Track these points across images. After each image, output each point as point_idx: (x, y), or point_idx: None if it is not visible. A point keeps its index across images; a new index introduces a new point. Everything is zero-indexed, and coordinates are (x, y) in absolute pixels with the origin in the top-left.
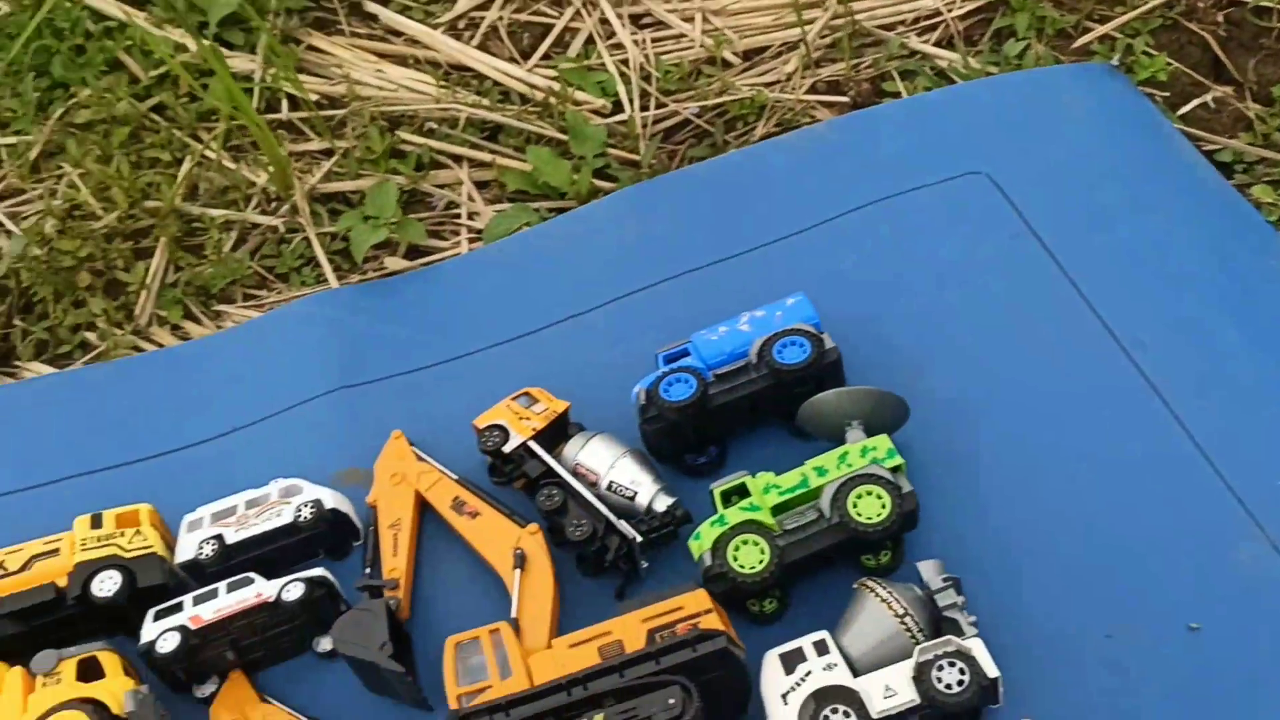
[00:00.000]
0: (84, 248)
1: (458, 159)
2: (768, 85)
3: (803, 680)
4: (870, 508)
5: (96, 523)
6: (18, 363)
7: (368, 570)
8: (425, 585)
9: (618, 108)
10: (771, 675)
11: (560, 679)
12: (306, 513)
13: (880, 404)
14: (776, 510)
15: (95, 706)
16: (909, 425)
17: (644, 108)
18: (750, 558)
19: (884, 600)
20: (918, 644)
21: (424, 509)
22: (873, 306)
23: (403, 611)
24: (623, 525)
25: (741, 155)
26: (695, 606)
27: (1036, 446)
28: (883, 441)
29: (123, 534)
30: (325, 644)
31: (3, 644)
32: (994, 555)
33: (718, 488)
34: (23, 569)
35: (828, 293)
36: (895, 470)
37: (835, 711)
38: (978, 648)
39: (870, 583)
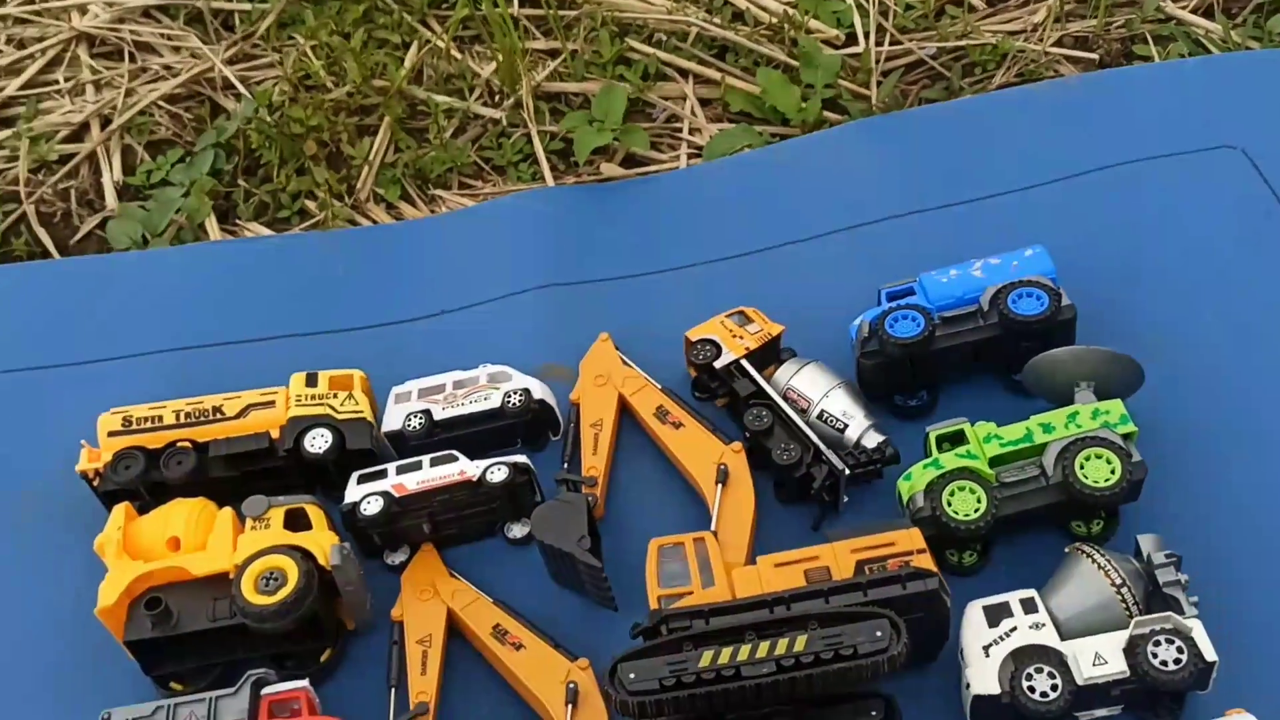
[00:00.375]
0: (313, 117)
1: (684, 73)
2: (1012, 34)
3: (1007, 635)
4: (1098, 471)
5: (312, 381)
6: (239, 221)
7: (566, 465)
8: (620, 488)
9: (850, 40)
10: (975, 625)
11: (764, 595)
12: (515, 400)
13: (1115, 367)
14: (994, 462)
15: (303, 554)
16: (1139, 395)
17: (878, 43)
18: (965, 505)
19: (1101, 567)
20: (1133, 616)
21: (624, 414)
22: (1110, 271)
23: (598, 510)
24: (831, 456)
25: (983, 101)
26: (908, 544)
27: (1275, 434)
28: (1116, 406)
29: (335, 396)
30: (516, 531)
31: (212, 485)
32: (1217, 539)
33: (934, 431)
34: (239, 416)
35: (1062, 251)
36: (1126, 438)
37: (1040, 671)
38: (1198, 629)
39: (1086, 548)
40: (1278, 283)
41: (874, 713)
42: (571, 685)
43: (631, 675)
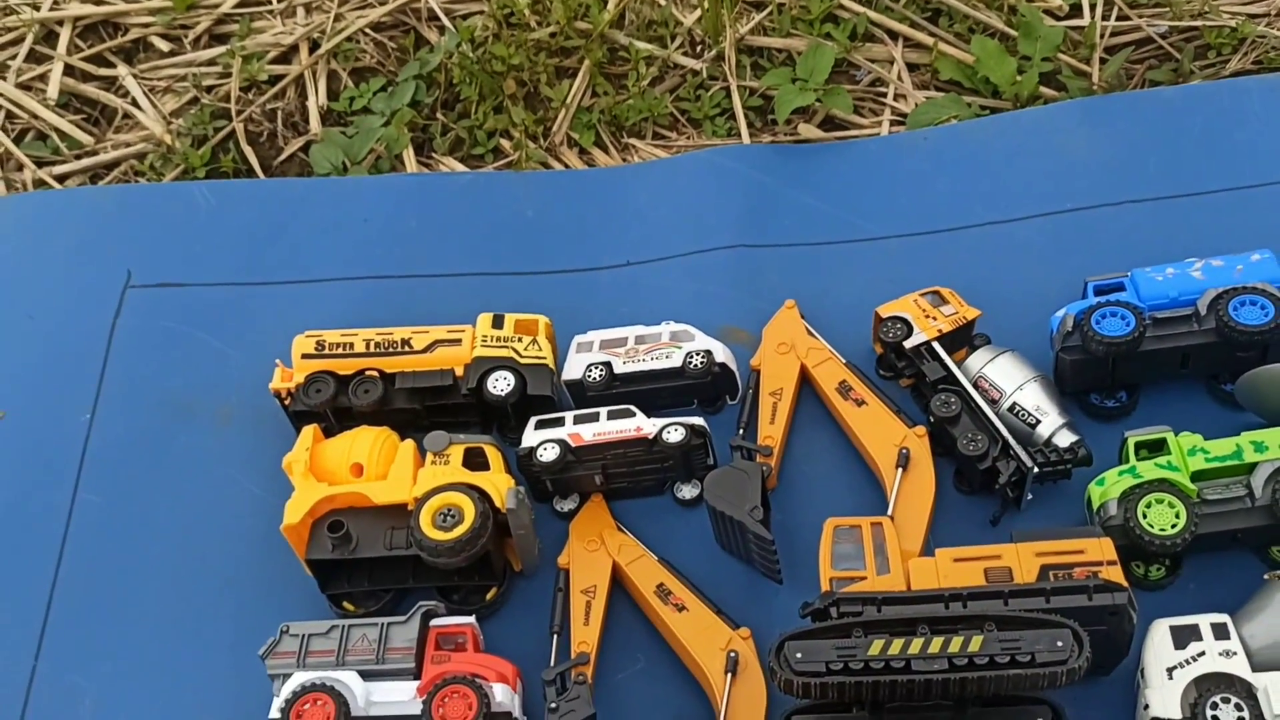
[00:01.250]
0: (514, 55)
1: (894, 35)
2: (1253, 16)
3: (1194, 659)
4: None
5: (498, 323)
6: (434, 155)
7: (742, 431)
8: (794, 461)
9: (1075, 11)
10: (1159, 645)
11: (940, 589)
12: (698, 360)
13: None
14: (1196, 477)
15: (480, 494)
16: None
17: (1105, 16)
18: (1162, 519)
19: None
20: None
21: (804, 385)
22: None
23: (771, 480)
24: (1020, 451)
25: (1216, 87)
26: (1098, 554)
27: None
28: None
29: (520, 339)
30: (686, 492)
31: (395, 415)
32: None
33: (1134, 436)
34: (426, 350)
35: None
36: None
37: (1226, 701)
38: None
39: None
40: None
41: (1040, 719)
42: (733, 654)
43: (799, 655)
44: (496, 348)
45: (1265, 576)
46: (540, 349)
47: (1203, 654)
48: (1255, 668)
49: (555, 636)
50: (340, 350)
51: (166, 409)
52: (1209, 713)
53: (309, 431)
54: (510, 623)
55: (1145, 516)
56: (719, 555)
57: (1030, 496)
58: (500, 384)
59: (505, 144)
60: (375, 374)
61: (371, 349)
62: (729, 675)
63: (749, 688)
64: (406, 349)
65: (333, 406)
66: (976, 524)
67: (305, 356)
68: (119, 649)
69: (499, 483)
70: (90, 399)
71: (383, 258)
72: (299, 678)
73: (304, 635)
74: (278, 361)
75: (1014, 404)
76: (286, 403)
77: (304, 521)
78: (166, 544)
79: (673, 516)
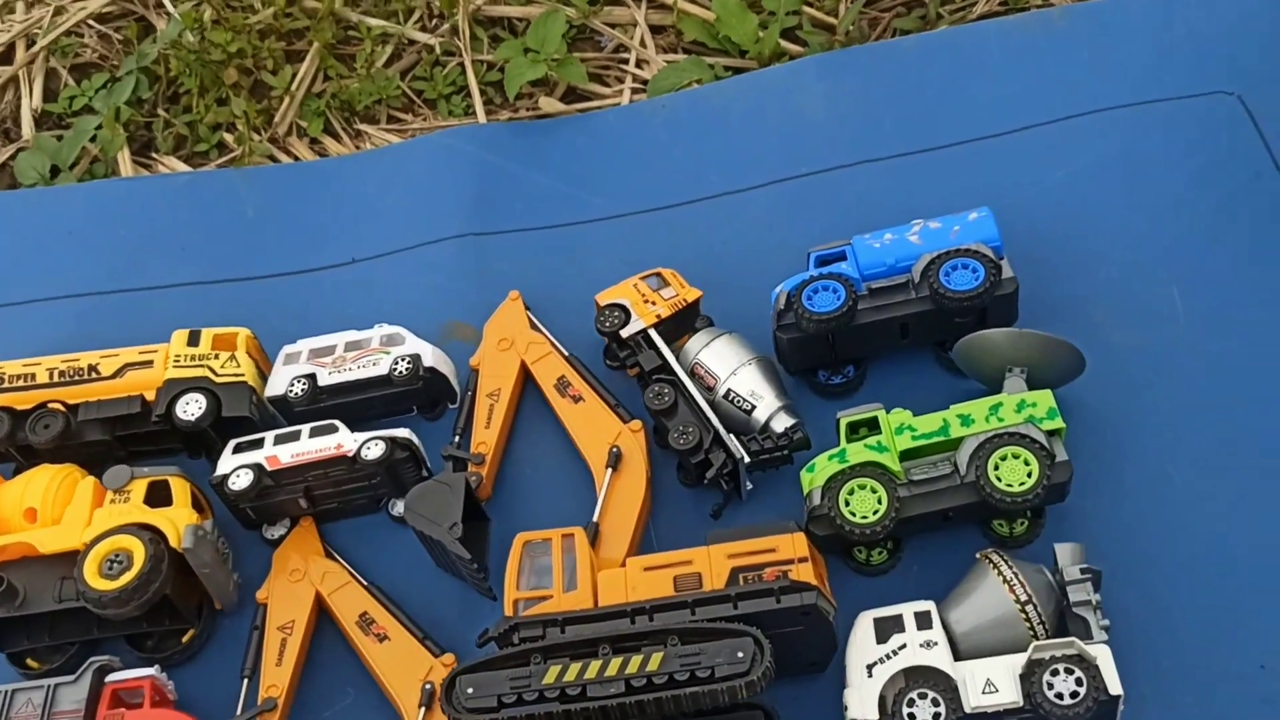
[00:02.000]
0: (235, 42)
1: None
2: None
3: (895, 653)
4: (1014, 473)
5: (194, 340)
6: (155, 155)
7: (456, 439)
8: (515, 465)
9: None
10: (861, 640)
11: (626, 604)
12: (403, 367)
13: (1052, 353)
14: (905, 456)
15: (153, 535)
16: (1079, 383)
17: None
18: (864, 505)
19: (1006, 581)
20: (1037, 637)
21: (527, 381)
22: (1072, 235)
23: (484, 490)
24: (732, 441)
25: (955, 34)
26: (789, 551)
27: (1223, 438)
28: (1045, 398)
29: (217, 356)
30: (400, 507)
31: (84, 450)
32: (1145, 553)
33: (845, 417)
34: (114, 375)
35: (1021, 211)
36: (1052, 435)
37: (923, 697)
38: (1104, 657)
39: (994, 556)
40: (1262, 255)
41: None
42: (428, 686)
43: (470, 690)
44: (190, 368)
45: (977, 555)
46: (239, 365)
47: (904, 646)
48: (961, 655)
49: (246, 680)
50: (20, 383)
51: None
52: (905, 710)
53: None
54: (211, 666)
55: (848, 504)
56: (436, 573)
57: (750, 486)
58: (191, 407)
59: (229, 138)
60: (59, 406)
61: (55, 378)
62: (422, 709)
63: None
64: (94, 375)
65: (14, 445)
66: (700, 518)
67: None
68: None
69: (177, 519)
70: None
71: (91, 272)
72: None
73: None
74: None
75: (729, 390)
76: None
77: None
78: None
79: (387, 534)
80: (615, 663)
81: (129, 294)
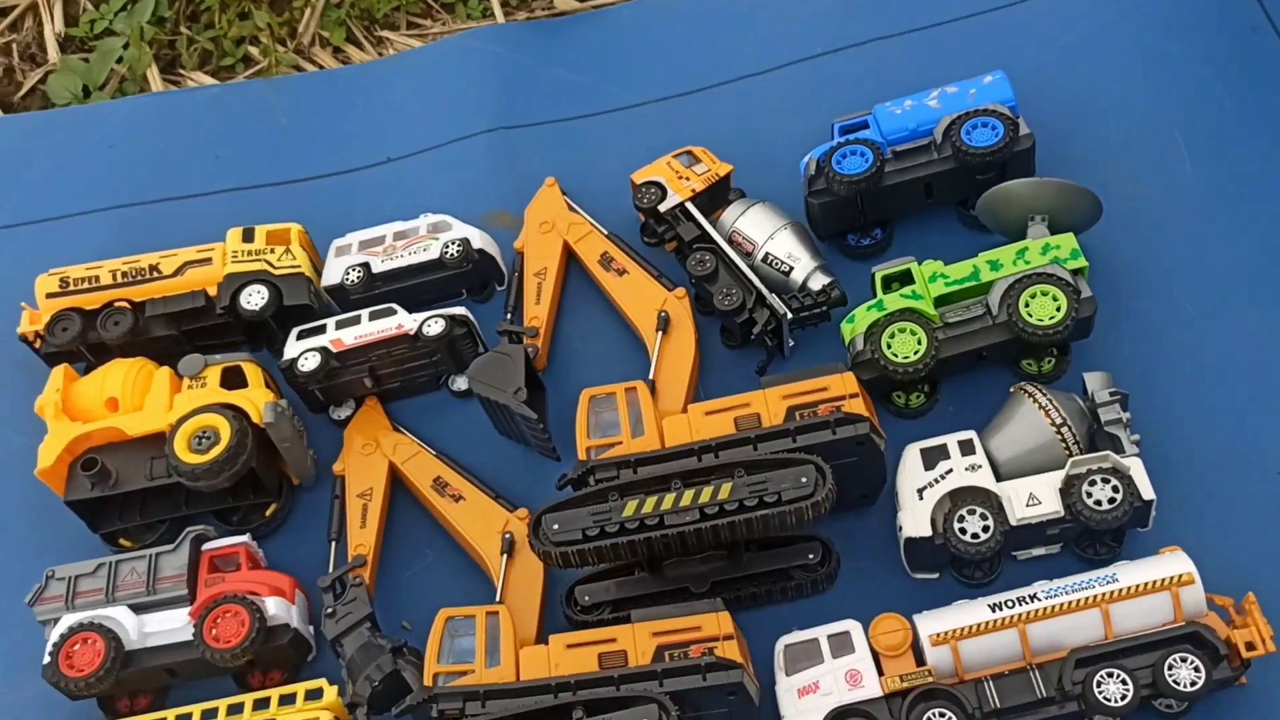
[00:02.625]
0: None
1: None
2: None
3: (942, 477)
4: (1044, 309)
5: (248, 236)
6: (181, 71)
7: (509, 315)
8: (564, 338)
9: None
10: (910, 468)
11: (691, 443)
12: (454, 250)
13: (1071, 200)
14: (940, 302)
15: (236, 413)
16: (1095, 230)
17: None
18: (905, 347)
19: (1042, 407)
20: (1071, 456)
21: (571, 260)
22: (1078, 97)
23: (540, 361)
24: (774, 299)
25: None
26: (841, 389)
27: (1230, 270)
28: (1068, 240)
29: (273, 251)
30: (460, 383)
31: (151, 345)
32: (1167, 377)
33: (880, 271)
34: (175, 274)
35: (1030, 76)
36: (1077, 273)
37: (972, 513)
38: (1136, 467)
39: (1029, 388)
40: (1258, 110)
41: (811, 555)
42: (508, 535)
43: (555, 526)
44: (248, 262)
45: (1011, 390)
46: (295, 258)
47: (951, 471)
48: (1004, 477)
49: (334, 544)
50: (86, 285)
51: None
52: (957, 525)
53: (59, 372)
54: (296, 536)
55: (889, 347)
56: (498, 442)
57: (792, 342)
58: (254, 298)
59: (254, 51)
60: (125, 305)
61: (119, 279)
62: (504, 556)
63: (526, 566)
64: (155, 275)
65: (85, 343)
66: (745, 376)
67: (50, 295)
68: None
69: (256, 398)
70: None
71: (131, 184)
72: (67, 620)
73: (70, 577)
74: (24, 305)
75: (767, 254)
76: (37, 345)
77: (59, 463)
78: None
79: (450, 409)
80: (688, 494)
81: (171, 202)
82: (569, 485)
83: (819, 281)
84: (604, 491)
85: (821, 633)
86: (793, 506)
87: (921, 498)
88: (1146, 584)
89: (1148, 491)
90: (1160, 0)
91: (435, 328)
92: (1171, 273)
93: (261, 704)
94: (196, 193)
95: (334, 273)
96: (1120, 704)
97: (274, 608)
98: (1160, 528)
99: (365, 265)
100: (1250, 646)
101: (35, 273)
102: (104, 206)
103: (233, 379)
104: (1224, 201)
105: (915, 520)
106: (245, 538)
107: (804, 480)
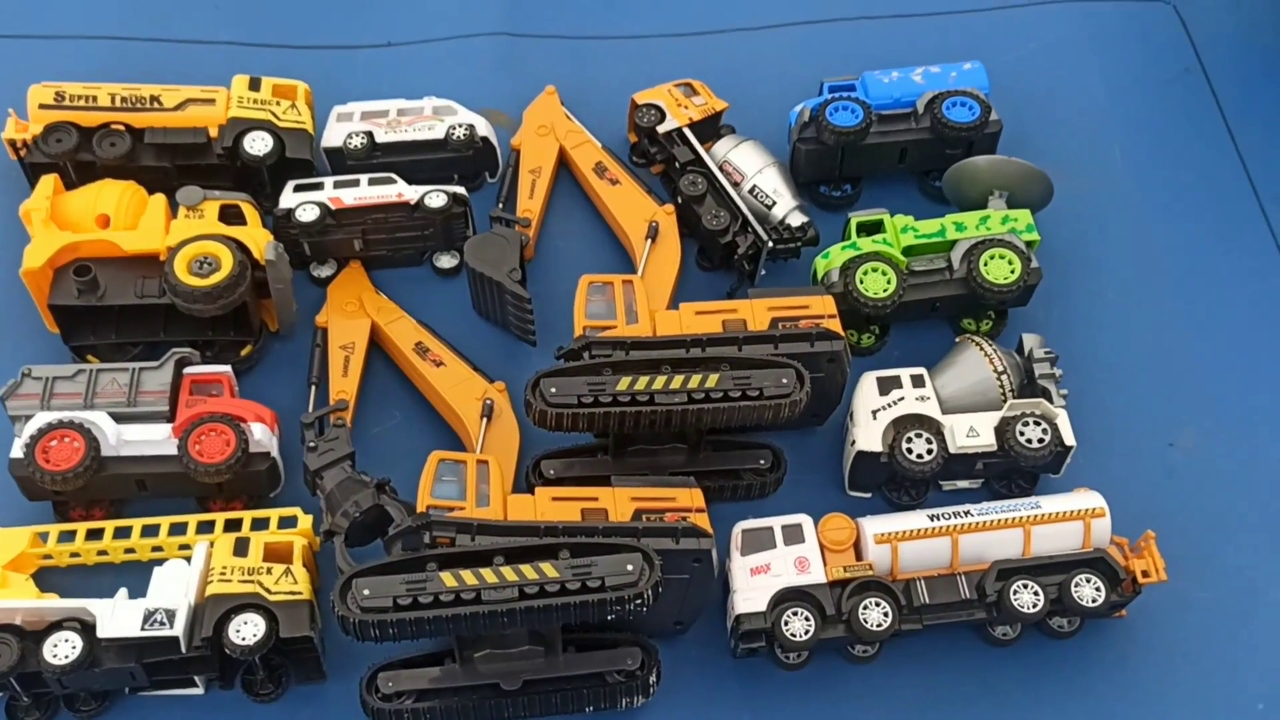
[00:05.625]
0: None
1: None
2: None
3: (895, 404)
4: (999, 270)
5: (255, 85)
6: None
7: (501, 205)
8: (551, 234)
9: None
10: (867, 392)
11: (683, 335)
12: (460, 132)
13: (1029, 180)
14: (906, 252)
15: (237, 245)
16: (1044, 213)
17: None
18: (876, 285)
19: (986, 354)
20: (1007, 400)
21: (562, 167)
22: (1035, 96)
23: (529, 250)
24: (758, 227)
25: None
26: (821, 309)
27: (1150, 268)
28: (1025, 215)
29: (278, 104)
30: (445, 261)
31: (140, 173)
32: (1085, 349)
33: (856, 217)
34: (177, 108)
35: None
36: (1029, 245)
37: (919, 436)
38: (1062, 417)
39: (975, 338)
40: (1185, 138)
41: (762, 460)
42: (488, 401)
43: (553, 390)
44: (253, 109)
45: (957, 340)
46: (299, 114)
47: (902, 399)
48: (945, 412)
49: (314, 388)
50: (83, 103)
51: None
52: (904, 445)
53: (49, 180)
54: (266, 379)
55: (862, 282)
56: (477, 321)
57: (764, 272)
58: (258, 144)
59: None
60: (121, 128)
61: (117, 103)
62: (484, 420)
63: (503, 432)
64: (156, 106)
65: (74, 160)
66: (715, 296)
67: (44, 106)
68: None
69: (257, 236)
70: None
71: (128, 17)
72: (44, 416)
73: (48, 378)
74: (10, 111)
75: (754, 186)
76: (21, 154)
77: (46, 267)
78: None
79: (431, 285)
80: (678, 379)
81: (165, 44)
82: (565, 357)
83: (798, 219)
84: (599, 366)
85: (776, 522)
86: (771, 402)
87: (875, 418)
88: (1065, 512)
89: (1069, 438)
90: (1112, 33)
91: (438, 200)
92: (1100, 261)
93: (233, 525)
94: (191, 39)
95: (335, 136)
96: (1031, 611)
97: (259, 433)
98: (1068, 476)
99: (369, 134)
100: (1145, 574)
101: (15, 85)
102: (97, 35)
103: (230, 215)
104: (1151, 209)
105: (869, 436)
106: (226, 368)
107: (784, 381)
